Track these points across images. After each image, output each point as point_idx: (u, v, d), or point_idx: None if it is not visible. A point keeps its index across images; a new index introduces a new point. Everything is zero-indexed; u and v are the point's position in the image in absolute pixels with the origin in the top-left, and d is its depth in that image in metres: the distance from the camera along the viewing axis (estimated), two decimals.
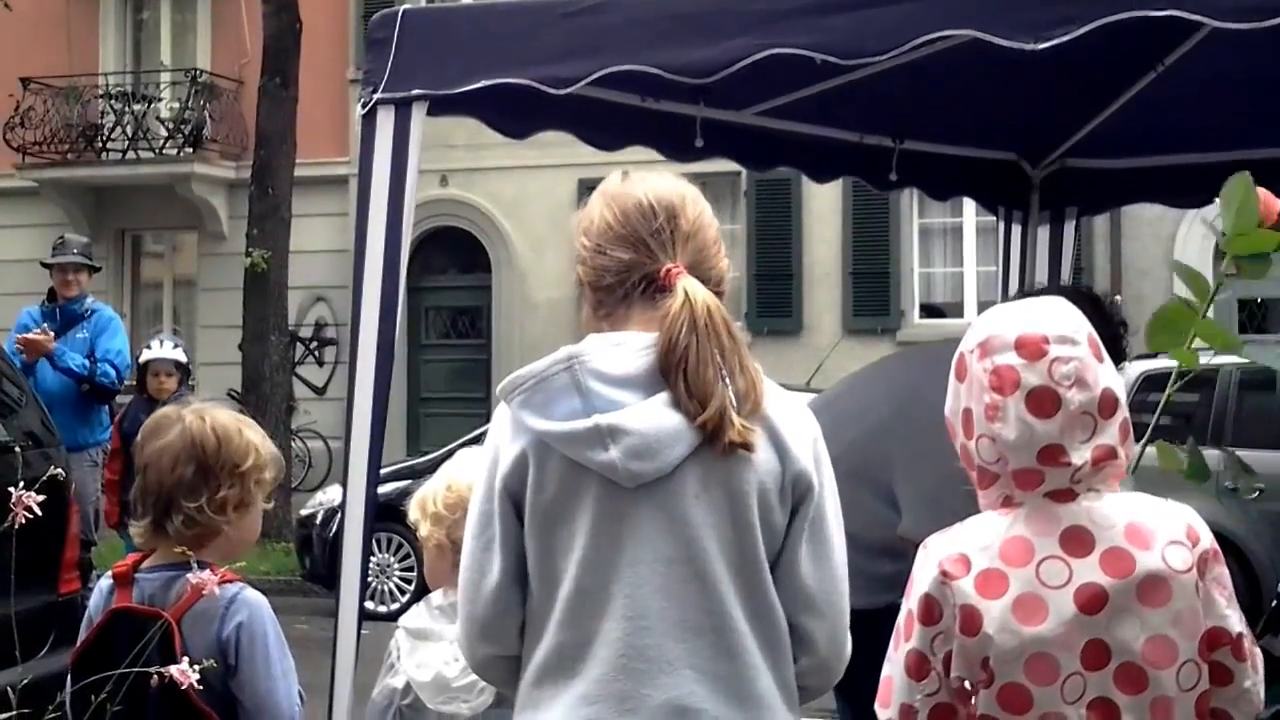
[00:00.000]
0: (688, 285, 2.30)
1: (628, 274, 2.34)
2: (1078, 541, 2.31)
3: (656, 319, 2.29)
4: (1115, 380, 2.37)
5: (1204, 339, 3.25)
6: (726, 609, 2.26)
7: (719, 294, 2.38)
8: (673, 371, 2.24)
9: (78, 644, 2.99)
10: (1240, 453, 8.48)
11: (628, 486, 2.23)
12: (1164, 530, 2.34)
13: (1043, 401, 2.30)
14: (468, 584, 2.36)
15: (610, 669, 2.24)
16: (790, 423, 2.32)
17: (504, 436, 2.32)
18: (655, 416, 2.23)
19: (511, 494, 2.30)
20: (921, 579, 2.35)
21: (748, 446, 2.24)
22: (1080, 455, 2.31)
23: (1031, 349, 2.32)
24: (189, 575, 2.86)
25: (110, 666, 2.80)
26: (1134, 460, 3.45)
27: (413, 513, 3.24)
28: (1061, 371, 2.31)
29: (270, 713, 2.88)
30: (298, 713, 2.94)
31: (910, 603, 2.36)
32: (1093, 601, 2.28)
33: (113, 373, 8.62)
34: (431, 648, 2.99)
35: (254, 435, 3.03)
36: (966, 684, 2.31)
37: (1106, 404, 2.33)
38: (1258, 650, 2.39)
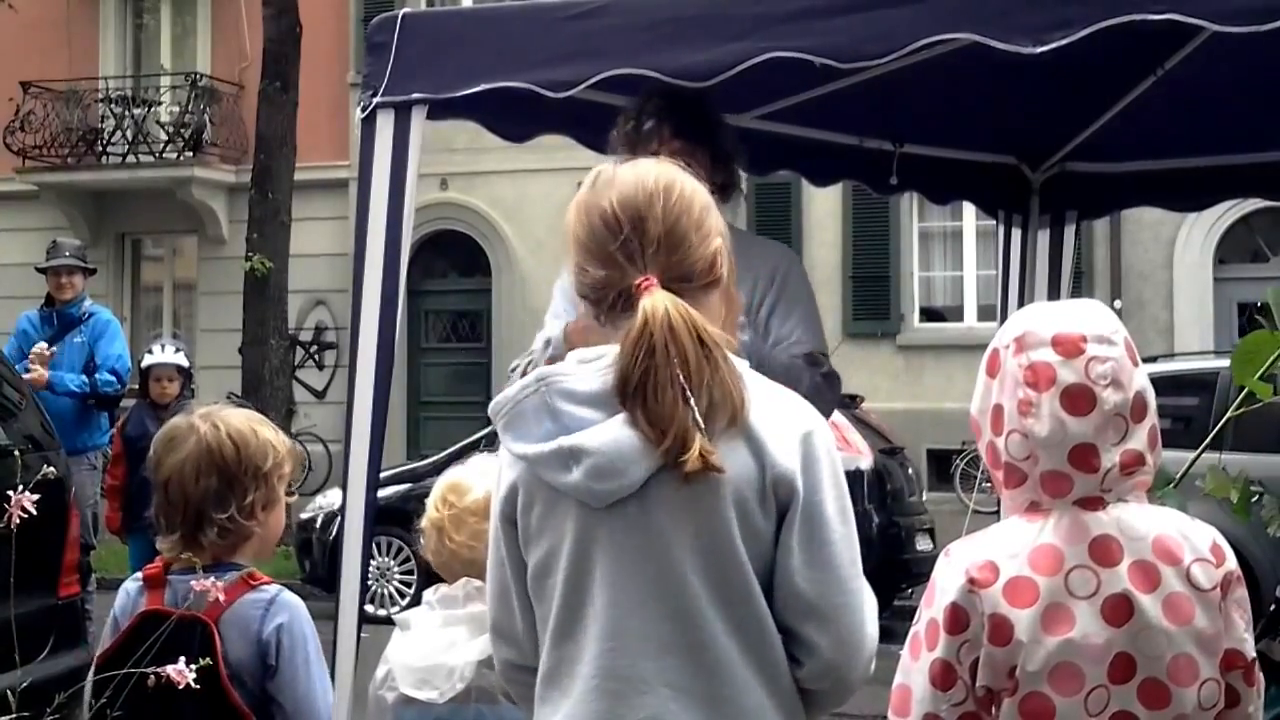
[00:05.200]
0: (648, 304, 2.24)
1: (605, 290, 2.32)
2: (1106, 551, 2.30)
3: None
4: (1148, 384, 2.36)
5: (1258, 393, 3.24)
6: (703, 625, 2.22)
7: (713, 281, 2.33)
8: (629, 398, 2.21)
9: (106, 645, 2.98)
10: (1240, 457, 8.50)
11: (597, 506, 2.23)
12: (1191, 547, 2.33)
13: (1078, 400, 2.29)
14: (488, 594, 2.44)
15: (588, 690, 2.24)
16: (772, 424, 2.25)
17: (503, 461, 2.37)
18: (615, 435, 2.20)
19: (508, 517, 2.34)
20: (947, 587, 2.32)
21: (710, 469, 2.18)
22: (1110, 458, 2.30)
23: (1069, 346, 2.31)
24: (193, 581, 2.87)
25: (139, 669, 2.79)
26: (1181, 472, 3.43)
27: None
28: (1098, 370, 2.30)
29: (308, 715, 2.88)
30: (332, 717, 2.94)
31: (934, 611, 2.33)
32: (1118, 612, 2.27)
33: (114, 380, 8.64)
34: (411, 635, 3.01)
35: (269, 433, 3.02)
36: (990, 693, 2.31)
37: (1138, 407, 2.33)
38: (1260, 675, 2.40)
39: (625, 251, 2.29)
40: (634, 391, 2.20)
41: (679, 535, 2.22)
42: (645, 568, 2.23)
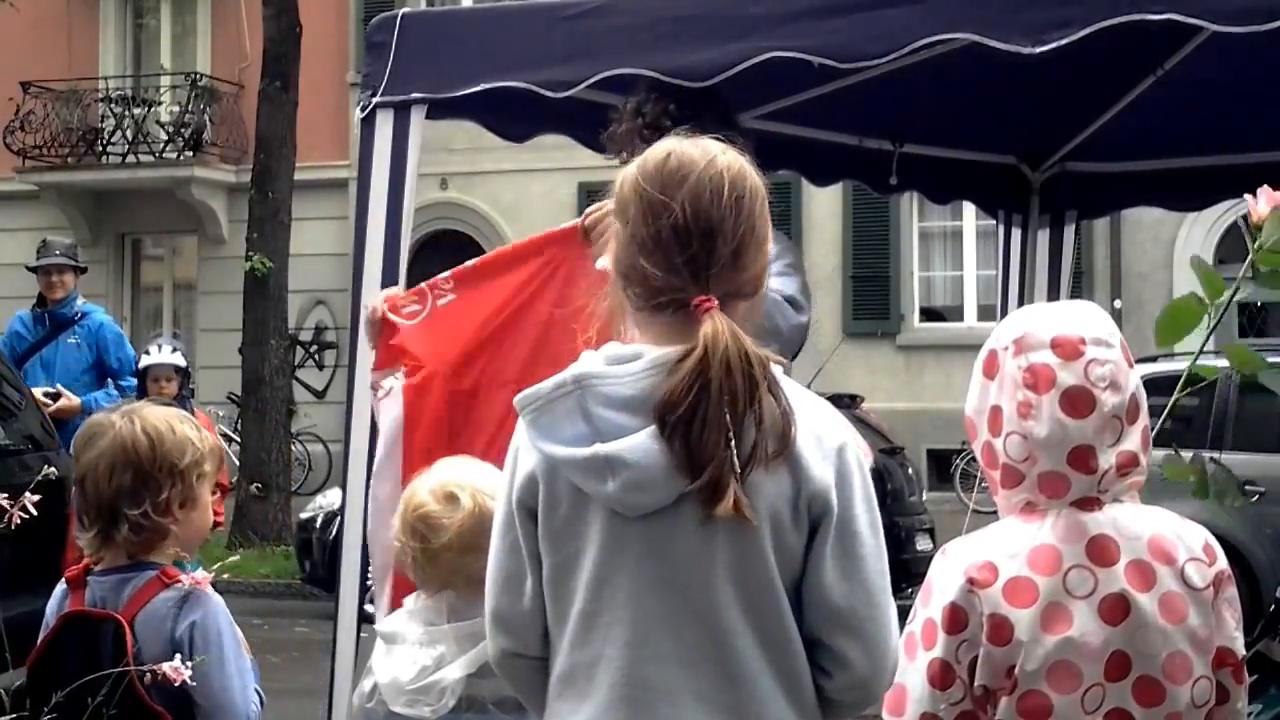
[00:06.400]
0: (709, 332, 2.17)
1: (659, 293, 2.23)
2: (1103, 551, 2.31)
3: (681, 335, 2.21)
4: (1141, 385, 2.38)
5: (1230, 358, 3.25)
6: (732, 638, 2.20)
7: (753, 290, 2.28)
8: (671, 427, 2.15)
9: (34, 649, 2.95)
10: (1239, 456, 8.51)
11: (630, 516, 2.19)
12: (1185, 546, 2.34)
13: (1077, 401, 2.30)
14: (490, 581, 2.36)
15: (612, 696, 2.22)
16: (810, 440, 2.22)
17: (523, 446, 2.29)
18: (653, 449, 2.16)
19: (526, 506, 2.28)
20: (945, 586, 2.33)
21: (741, 518, 2.14)
22: (1107, 459, 2.31)
23: (1068, 349, 2.32)
24: (183, 577, 2.87)
25: (63, 671, 2.79)
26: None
27: None
28: (1097, 373, 2.31)
29: (226, 712, 2.85)
30: (254, 713, 2.91)
31: (931, 610, 2.34)
32: (1115, 612, 2.28)
33: (138, 381, 8.70)
34: (397, 650, 2.96)
35: (189, 430, 2.98)
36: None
37: (1132, 409, 2.34)
38: (1245, 673, 2.41)
39: (691, 266, 2.21)
40: (677, 422, 2.14)
41: (711, 548, 2.19)
42: (676, 578, 2.20)
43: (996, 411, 2.37)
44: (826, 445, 2.23)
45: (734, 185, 2.25)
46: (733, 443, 2.14)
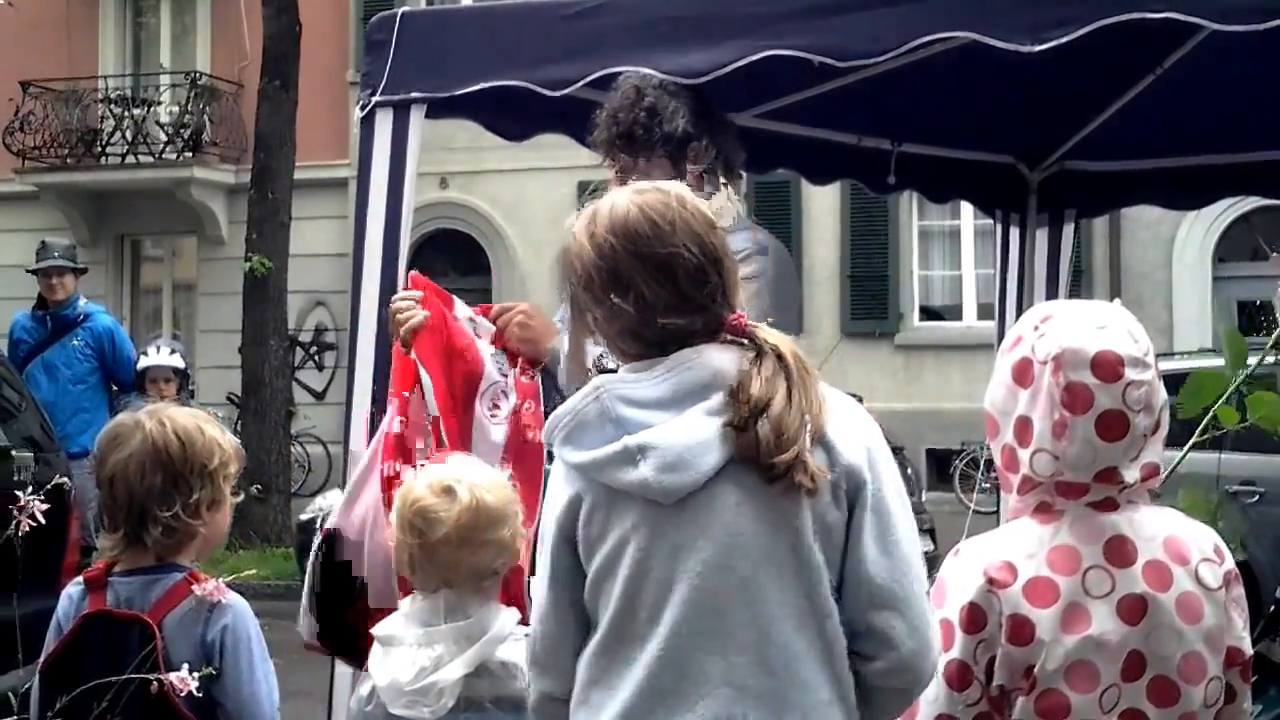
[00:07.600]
0: (767, 336, 2.29)
1: (690, 336, 2.29)
2: (1120, 552, 2.32)
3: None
4: (1167, 401, 2.39)
5: (1253, 409, 3.29)
6: (772, 622, 2.21)
7: None
8: (751, 419, 2.21)
9: (49, 650, 2.94)
10: (1239, 456, 8.50)
11: (666, 503, 2.21)
12: (1197, 547, 2.36)
13: (1113, 424, 2.30)
14: (535, 628, 2.39)
15: (648, 687, 2.23)
16: (838, 425, 2.28)
17: (559, 482, 2.33)
18: (685, 429, 2.21)
19: (567, 535, 2.31)
20: (963, 586, 2.33)
21: (813, 491, 2.21)
22: (1131, 474, 2.33)
23: (1108, 370, 2.31)
24: (196, 589, 2.86)
25: (83, 671, 2.78)
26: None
27: None
28: (1134, 396, 2.31)
29: (253, 716, 2.86)
30: (278, 716, 2.92)
31: (946, 611, 2.34)
32: (1134, 612, 2.29)
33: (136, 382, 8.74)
34: (394, 653, 2.95)
35: (215, 432, 2.99)
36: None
37: (1157, 424, 2.36)
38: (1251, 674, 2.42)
39: (713, 297, 2.30)
40: (760, 412, 2.21)
41: (751, 528, 2.22)
42: (715, 563, 2.22)
43: (1026, 423, 2.36)
44: (855, 432, 2.30)
45: (704, 210, 2.35)
46: (809, 425, 2.22)
